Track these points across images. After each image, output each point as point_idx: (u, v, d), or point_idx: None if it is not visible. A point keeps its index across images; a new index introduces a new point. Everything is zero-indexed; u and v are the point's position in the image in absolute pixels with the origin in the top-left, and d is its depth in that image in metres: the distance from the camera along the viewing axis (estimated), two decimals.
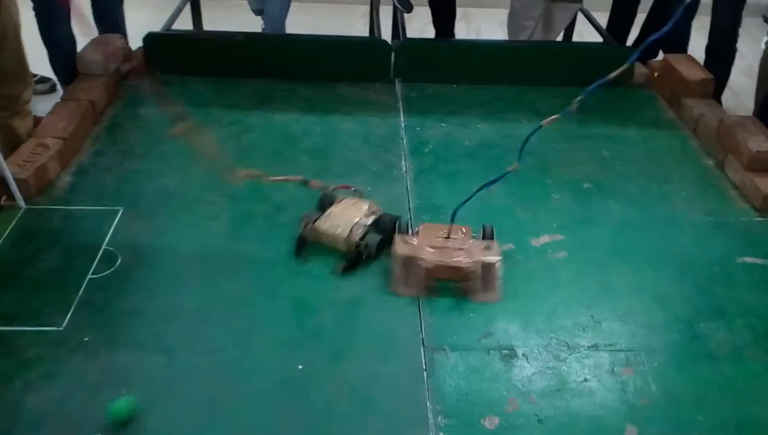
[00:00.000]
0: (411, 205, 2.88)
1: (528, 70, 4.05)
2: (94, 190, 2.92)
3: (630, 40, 5.50)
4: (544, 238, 2.73)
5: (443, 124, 3.58)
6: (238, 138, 3.38)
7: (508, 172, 2.37)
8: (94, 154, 3.20)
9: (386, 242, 2.50)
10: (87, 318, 2.26)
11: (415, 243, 2.45)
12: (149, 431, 1.92)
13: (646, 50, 5.05)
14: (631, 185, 3.13)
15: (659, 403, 2.05)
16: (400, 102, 3.81)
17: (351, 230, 2.46)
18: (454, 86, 3.97)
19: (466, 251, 2.42)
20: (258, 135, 3.41)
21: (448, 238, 2.49)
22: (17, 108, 3.37)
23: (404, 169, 3.16)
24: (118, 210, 2.77)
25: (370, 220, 2.52)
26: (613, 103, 3.85)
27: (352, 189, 2.80)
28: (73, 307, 2.30)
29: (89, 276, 2.43)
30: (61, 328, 2.22)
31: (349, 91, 3.89)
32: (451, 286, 2.41)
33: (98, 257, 2.52)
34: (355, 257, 2.46)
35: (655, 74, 4.07)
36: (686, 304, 2.44)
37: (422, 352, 2.20)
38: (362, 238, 2.46)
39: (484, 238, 2.51)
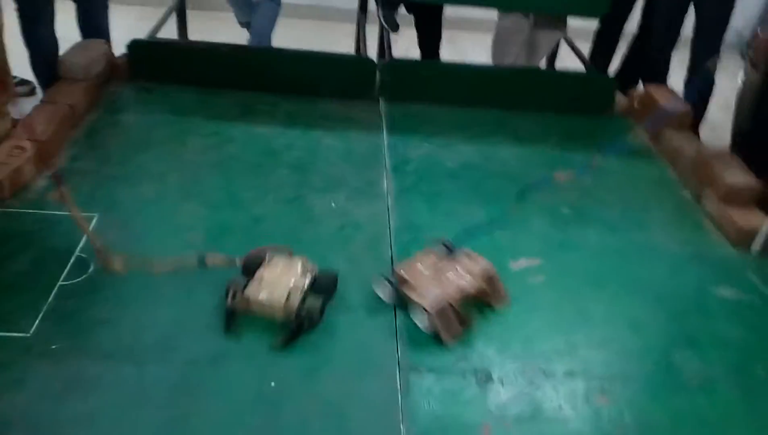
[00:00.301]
0: (391, 223, 2.87)
1: (511, 95, 4.09)
2: (70, 193, 2.85)
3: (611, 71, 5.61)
4: (523, 262, 2.74)
5: (426, 144, 3.59)
6: (218, 148, 3.35)
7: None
8: (71, 158, 3.14)
9: (327, 304, 2.30)
10: (56, 325, 2.20)
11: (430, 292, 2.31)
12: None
13: (625, 78, 5.15)
14: (609, 212, 3.16)
15: (632, 434, 2.05)
16: (384, 120, 3.81)
17: (288, 296, 2.21)
18: (438, 107, 3.99)
19: (463, 274, 2.40)
20: (239, 147, 3.39)
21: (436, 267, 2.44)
22: None
23: (386, 187, 3.16)
24: (93, 216, 2.71)
25: (307, 281, 2.27)
26: (596, 131, 3.91)
27: (270, 251, 2.41)
28: (42, 314, 2.24)
29: (60, 282, 2.37)
30: (29, 335, 2.16)
31: (333, 107, 3.89)
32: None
33: (70, 263, 2.46)
34: (297, 327, 2.20)
35: (635, 104, 4.14)
36: (661, 333, 2.46)
37: (398, 373, 2.17)
38: (302, 302, 2.23)
39: (450, 252, 2.49)
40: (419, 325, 2.31)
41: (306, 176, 3.19)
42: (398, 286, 2.38)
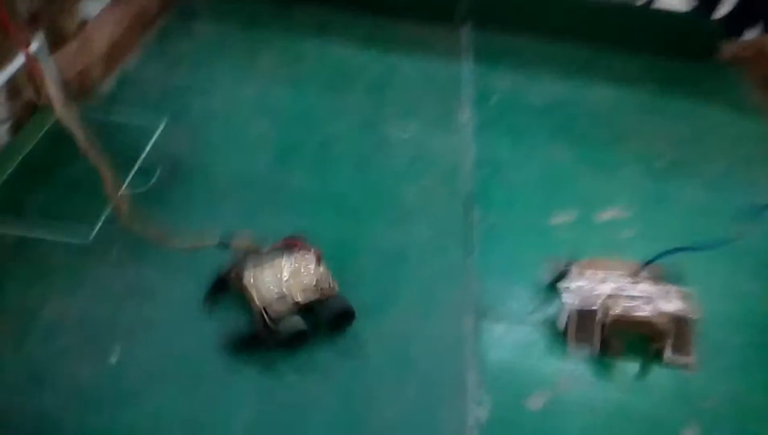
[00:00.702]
0: (469, 158, 2.67)
1: (605, 31, 3.74)
2: (137, 99, 2.76)
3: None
4: (610, 213, 2.51)
5: (510, 77, 3.31)
6: (292, 65, 3.18)
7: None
8: (141, 62, 3.03)
9: (309, 336, 1.88)
10: (116, 233, 2.12)
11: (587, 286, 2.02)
12: (165, 358, 1.81)
13: (736, 22, 4.66)
14: (709, 168, 2.86)
15: (723, 402, 1.86)
16: (466, 48, 3.55)
17: (275, 300, 1.89)
18: (525, 38, 3.69)
19: (650, 299, 1.98)
20: (313, 64, 3.20)
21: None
22: (66, 6, 3.19)
23: (465, 118, 2.93)
24: (161, 123, 2.60)
25: (309, 298, 1.92)
26: (697, 78, 3.54)
27: (306, 249, 2.05)
28: (102, 220, 2.16)
29: (123, 188, 2.29)
30: (89, 241, 2.09)
31: (412, 30, 3.63)
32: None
33: (134, 170, 2.37)
34: (254, 334, 1.87)
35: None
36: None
37: (469, 317, 2.02)
38: (281, 317, 1.86)
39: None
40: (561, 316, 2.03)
41: (380, 101, 2.99)
42: (566, 273, 2.08)
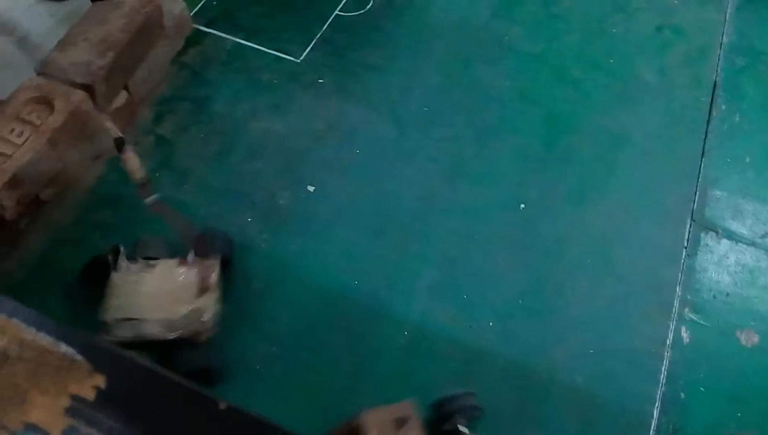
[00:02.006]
0: (724, 39, 2.23)
1: None
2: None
3: None
4: None
5: None
6: None
7: None
8: None
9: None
10: (326, 57, 2.04)
11: None
12: (359, 199, 1.77)
13: None
14: None
15: None
16: None
17: (124, 320, 1.45)
18: None
19: None
20: None
21: None
22: None
23: None
24: None
25: (169, 335, 1.44)
26: None
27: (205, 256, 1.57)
28: (313, 42, 2.07)
29: (337, 11, 2.16)
30: (299, 61, 2.02)
31: None
32: None
33: None
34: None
35: None
36: None
37: (688, 226, 1.77)
38: (118, 344, 1.40)
39: None
40: None
41: None
42: None
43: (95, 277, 1.52)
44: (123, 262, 1.51)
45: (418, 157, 1.86)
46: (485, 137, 1.91)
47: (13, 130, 1.64)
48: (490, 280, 1.65)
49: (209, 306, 1.47)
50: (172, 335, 1.42)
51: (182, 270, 1.52)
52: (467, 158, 1.86)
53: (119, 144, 1.41)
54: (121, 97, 1.87)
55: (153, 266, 1.52)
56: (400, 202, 1.77)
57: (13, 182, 1.58)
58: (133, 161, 1.43)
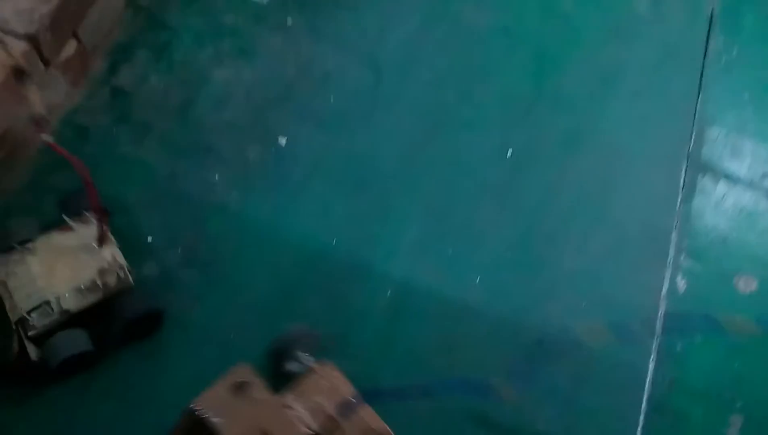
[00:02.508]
0: None
1: None
2: None
3: None
4: None
5: None
6: None
7: None
8: None
9: (96, 356, 1.35)
10: None
11: None
12: (336, 151, 1.65)
13: None
14: None
15: None
16: None
17: (34, 310, 1.32)
18: None
19: None
20: None
21: None
22: None
23: None
24: None
25: (89, 301, 1.34)
26: None
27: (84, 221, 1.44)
28: None
29: None
30: (265, 3, 1.86)
31: None
32: None
33: None
34: (9, 365, 1.33)
35: None
36: None
37: (684, 168, 1.68)
38: (42, 335, 1.31)
39: None
40: None
41: None
42: None
43: None
44: None
45: (398, 105, 1.73)
46: (469, 81, 1.78)
47: None
48: (477, 234, 1.56)
49: (115, 255, 1.38)
50: (93, 299, 1.33)
51: (66, 235, 1.39)
52: (450, 104, 1.74)
53: (18, 73, 1.24)
54: (71, 47, 1.69)
55: (33, 247, 1.38)
56: (379, 153, 1.65)
57: None
58: (33, 94, 1.27)
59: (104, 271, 1.35)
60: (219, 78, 1.75)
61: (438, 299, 1.47)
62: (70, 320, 1.32)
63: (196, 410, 1.15)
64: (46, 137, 1.32)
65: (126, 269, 1.38)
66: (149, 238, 1.51)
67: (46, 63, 1.63)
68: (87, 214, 1.42)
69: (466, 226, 1.57)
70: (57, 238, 1.39)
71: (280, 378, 1.28)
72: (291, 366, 1.30)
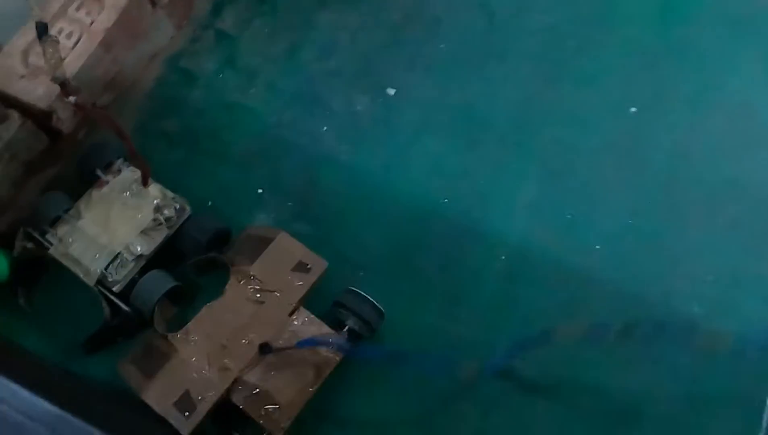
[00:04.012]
0: None
1: None
2: None
3: None
4: None
5: None
6: None
7: None
8: None
9: (191, 290, 1.38)
10: None
11: None
12: (447, 103, 1.58)
13: None
14: None
15: None
16: None
17: (110, 266, 1.33)
18: None
19: None
20: None
21: None
22: None
23: None
24: None
25: (157, 240, 1.36)
26: None
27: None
28: None
29: None
30: None
31: None
32: None
33: None
34: (104, 326, 1.36)
35: None
36: None
37: None
38: (125, 288, 1.33)
39: None
40: None
41: None
42: None
43: (31, 276, 1.42)
44: (47, 236, 1.36)
45: (512, 53, 1.63)
46: (589, 27, 1.66)
47: (61, 31, 1.47)
48: (597, 197, 1.47)
49: (162, 190, 1.39)
50: (160, 237, 1.35)
51: (105, 189, 1.39)
52: (569, 54, 1.63)
53: (41, 30, 1.19)
54: None
55: (76, 211, 1.38)
56: (493, 106, 1.57)
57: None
58: (54, 53, 1.23)
59: (160, 206, 1.36)
60: (324, 23, 1.68)
61: (555, 264, 1.40)
62: (147, 265, 1.33)
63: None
64: (72, 99, 1.31)
65: (177, 200, 1.38)
66: (259, 191, 1.49)
67: (153, 3, 1.59)
68: (115, 162, 1.42)
69: (586, 187, 1.48)
70: (97, 194, 1.39)
71: None
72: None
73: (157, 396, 1.21)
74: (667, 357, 1.33)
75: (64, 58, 1.40)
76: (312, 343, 1.25)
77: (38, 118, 1.42)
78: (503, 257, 1.43)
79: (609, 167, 1.50)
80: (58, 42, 1.21)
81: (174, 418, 1.19)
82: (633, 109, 1.56)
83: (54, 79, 1.26)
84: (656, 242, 1.44)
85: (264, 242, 1.33)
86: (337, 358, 1.26)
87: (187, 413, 1.19)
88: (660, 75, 1.60)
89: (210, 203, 1.47)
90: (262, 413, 1.22)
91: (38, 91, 1.41)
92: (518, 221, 1.46)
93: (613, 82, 1.59)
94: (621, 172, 1.50)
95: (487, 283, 1.40)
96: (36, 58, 1.43)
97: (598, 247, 1.43)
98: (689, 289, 1.39)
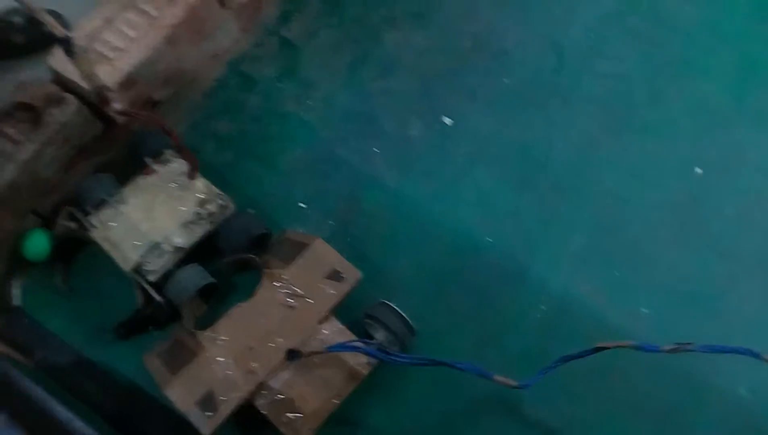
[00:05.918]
0: None
1: None
2: None
3: None
4: None
5: None
6: None
7: None
8: None
9: (221, 290, 1.33)
10: None
11: None
12: (504, 139, 1.53)
13: None
14: None
15: None
16: None
17: (148, 254, 1.29)
18: None
19: None
20: None
21: None
22: None
23: None
24: None
25: (198, 234, 1.32)
26: None
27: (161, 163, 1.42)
28: None
29: None
30: None
31: None
32: None
33: None
34: (137, 314, 1.34)
35: None
36: None
37: None
38: (160, 278, 1.30)
39: None
40: None
41: None
42: None
43: (68, 256, 1.43)
44: (90, 217, 1.36)
45: (577, 96, 1.58)
46: (660, 78, 1.59)
47: (127, 21, 1.47)
48: (649, 257, 1.41)
49: (208, 185, 1.37)
50: (202, 231, 1.33)
51: (152, 177, 1.39)
52: (636, 103, 1.57)
53: (66, 45, 1.18)
54: None
55: (122, 196, 1.38)
56: (551, 148, 1.52)
57: (127, 82, 1.42)
58: (87, 63, 1.21)
59: (204, 201, 1.35)
60: (389, 40, 1.65)
61: (597, 324, 1.34)
62: (185, 258, 1.32)
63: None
64: (117, 105, 1.32)
65: (224, 196, 1.36)
66: (302, 205, 1.47)
67: (222, 3, 1.58)
68: (165, 151, 1.42)
69: (638, 245, 1.42)
70: (144, 182, 1.39)
71: None
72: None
73: (180, 393, 1.20)
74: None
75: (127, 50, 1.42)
76: (344, 348, 1.23)
77: (94, 105, 1.42)
78: (543, 307, 1.37)
79: (664, 227, 1.44)
80: (89, 55, 1.20)
81: (195, 416, 1.17)
82: (698, 170, 1.49)
83: (90, 93, 1.24)
84: (707, 313, 1.36)
85: (300, 247, 1.32)
86: (365, 372, 1.23)
87: (209, 413, 1.17)
88: (731, 137, 1.53)
89: (252, 211, 1.45)
90: (284, 420, 1.20)
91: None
92: (563, 272, 1.40)
93: (680, 138, 1.53)
94: (677, 233, 1.43)
95: (523, 332, 1.35)
96: (100, 45, 1.44)
97: (645, 310, 1.36)
98: (738, 369, 1.31)
